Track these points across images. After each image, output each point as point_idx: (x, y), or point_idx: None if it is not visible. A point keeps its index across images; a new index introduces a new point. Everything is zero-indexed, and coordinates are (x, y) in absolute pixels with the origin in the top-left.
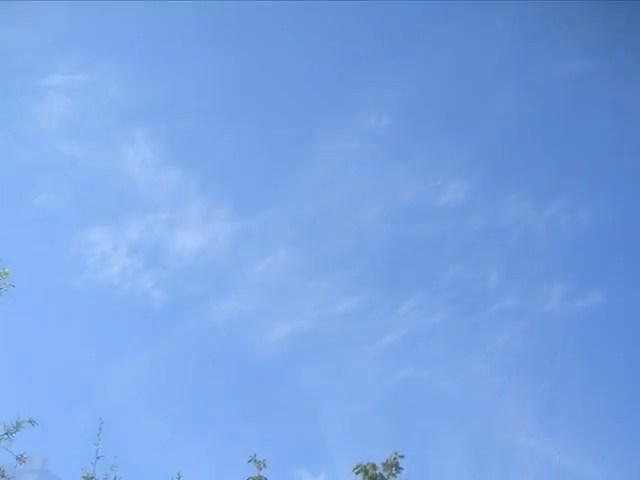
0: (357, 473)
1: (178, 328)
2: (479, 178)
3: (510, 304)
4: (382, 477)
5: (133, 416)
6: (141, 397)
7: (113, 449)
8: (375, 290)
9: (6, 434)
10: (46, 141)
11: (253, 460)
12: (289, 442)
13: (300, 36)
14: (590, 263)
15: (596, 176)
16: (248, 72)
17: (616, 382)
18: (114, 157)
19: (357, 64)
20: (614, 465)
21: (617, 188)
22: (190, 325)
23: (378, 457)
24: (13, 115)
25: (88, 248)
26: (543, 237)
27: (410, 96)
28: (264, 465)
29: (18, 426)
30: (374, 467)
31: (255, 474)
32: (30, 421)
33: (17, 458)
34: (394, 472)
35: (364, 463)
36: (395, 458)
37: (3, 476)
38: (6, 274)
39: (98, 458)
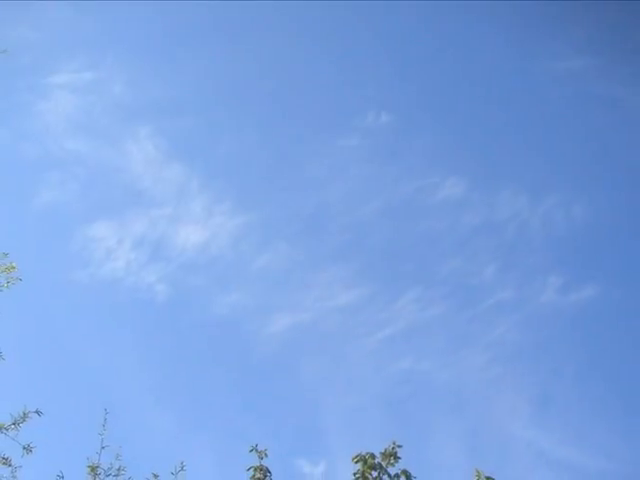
0: (356, 462)
1: (181, 320)
2: (475, 174)
3: (506, 297)
4: (381, 466)
5: (137, 407)
6: (145, 388)
7: (118, 439)
8: (373, 284)
9: (13, 424)
10: (52, 138)
11: (254, 450)
12: (289, 432)
13: (300, 35)
14: (584, 257)
15: (589, 172)
16: (249, 71)
17: (610, 373)
18: (119, 154)
19: (356, 63)
20: (607, 455)
21: (610, 184)
22: (193, 317)
23: (377, 447)
24: (20, 113)
25: (93, 242)
26: (538, 231)
27: (407, 94)
28: (265, 455)
29: (25, 416)
30: (373, 457)
31: (256, 463)
32: (37, 412)
33: (24, 448)
34: (392, 461)
35: (363, 453)
36: (394, 448)
37: (10, 465)
38: (13, 268)
39: (103, 448)
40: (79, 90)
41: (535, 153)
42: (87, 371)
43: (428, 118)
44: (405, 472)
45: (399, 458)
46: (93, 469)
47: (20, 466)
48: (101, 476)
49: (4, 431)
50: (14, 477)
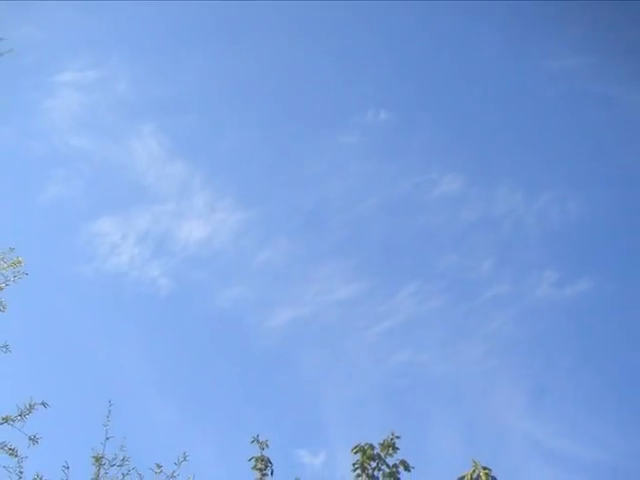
0: (355, 453)
1: (184, 314)
2: (472, 171)
3: (502, 291)
4: (379, 457)
5: (141, 398)
6: (148, 380)
7: (122, 430)
8: (372, 278)
9: (19, 415)
10: (58, 136)
11: (256, 440)
12: (290, 423)
13: (301, 35)
14: (579, 252)
15: (584, 169)
16: (251, 70)
17: (604, 365)
18: (123, 151)
19: (356, 62)
20: (601, 445)
21: (605, 180)
22: (195, 311)
23: (376, 438)
24: (26, 111)
25: (98, 238)
26: (534, 227)
27: (405, 92)
28: (266, 445)
29: (31, 408)
30: (372, 447)
31: (258, 454)
32: (43, 403)
33: (30, 439)
34: (391, 452)
35: (362, 443)
36: (392, 438)
37: (16, 456)
38: (19, 262)
39: (107, 439)
40: (84, 88)
41: (531, 150)
42: (92, 363)
43: (426, 116)
44: (403, 462)
45: (397, 449)
46: (98, 459)
47: (26, 457)
48: (105, 466)
49: (10, 422)
50: (20, 467)
